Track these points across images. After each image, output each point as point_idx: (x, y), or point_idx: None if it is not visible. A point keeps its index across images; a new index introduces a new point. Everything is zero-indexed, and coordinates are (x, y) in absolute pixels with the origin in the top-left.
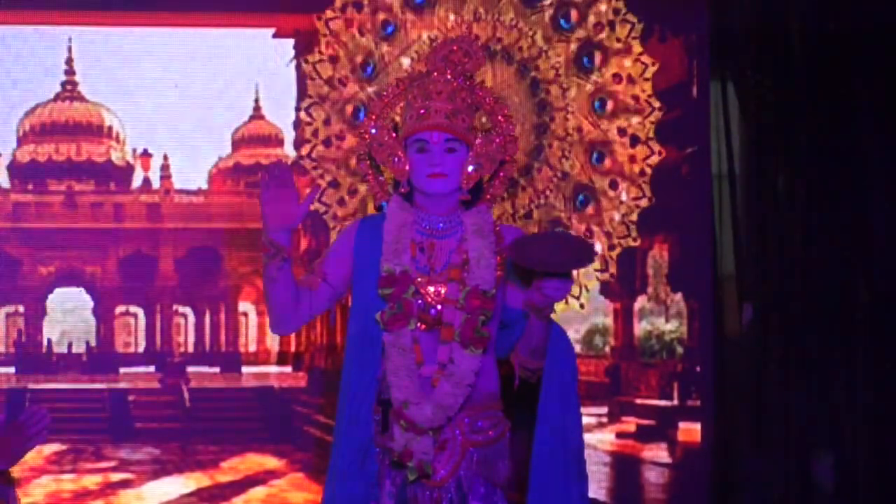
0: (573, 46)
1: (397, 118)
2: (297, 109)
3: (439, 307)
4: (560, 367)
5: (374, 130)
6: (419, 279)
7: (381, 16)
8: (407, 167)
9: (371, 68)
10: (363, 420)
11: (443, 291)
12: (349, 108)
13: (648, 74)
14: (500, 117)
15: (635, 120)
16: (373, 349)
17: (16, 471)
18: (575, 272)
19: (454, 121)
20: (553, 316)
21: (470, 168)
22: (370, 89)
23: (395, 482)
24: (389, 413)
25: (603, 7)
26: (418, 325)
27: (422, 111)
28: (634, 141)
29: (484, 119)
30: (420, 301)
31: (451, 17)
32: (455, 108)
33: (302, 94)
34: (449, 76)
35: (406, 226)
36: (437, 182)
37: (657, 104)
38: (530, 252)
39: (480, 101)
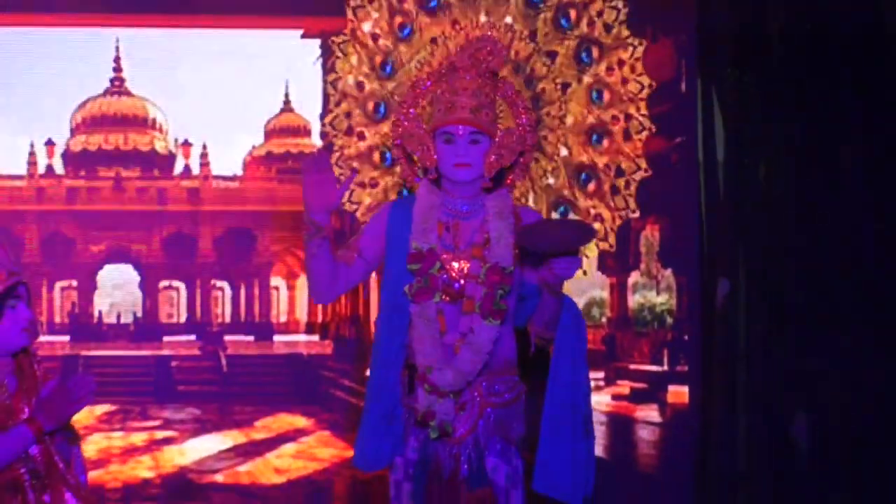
0: (572, 43)
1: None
2: (324, 105)
3: (462, 282)
4: (570, 336)
5: (406, 123)
6: (444, 256)
7: (399, 19)
8: (435, 156)
9: (389, 67)
10: (391, 383)
11: (466, 267)
12: (370, 105)
13: (638, 54)
14: (521, 109)
15: (630, 109)
16: (401, 319)
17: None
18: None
19: (478, 115)
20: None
21: (492, 158)
22: (389, 87)
23: (418, 438)
24: (415, 377)
25: (598, 6)
26: (443, 297)
27: (449, 106)
28: (628, 118)
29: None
30: (445, 276)
31: (461, 20)
32: (479, 104)
33: (327, 91)
34: (474, 73)
35: (434, 208)
36: (461, 171)
37: (647, 80)
38: (538, 238)
39: (503, 94)
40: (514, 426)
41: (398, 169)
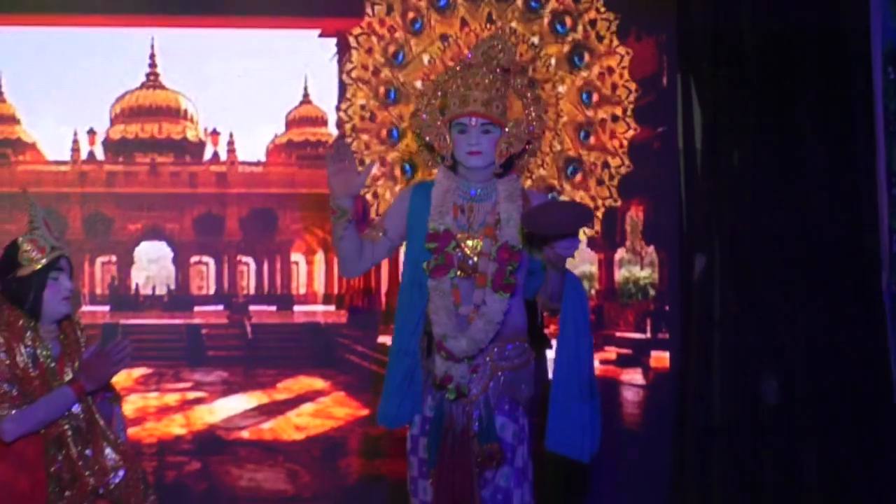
0: (566, 48)
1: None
2: (340, 95)
3: (475, 258)
4: (574, 307)
5: (424, 116)
6: (459, 235)
7: (411, 14)
8: (450, 144)
9: (401, 57)
10: (410, 350)
11: (479, 246)
12: (382, 90)
13: (626, 63)
14: (529, 102)
15: (617, 110)
16: (420, 292)
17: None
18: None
19: (489, 108)
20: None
21: (502, 146)
22: (400, 75)
23: (434, 398)
24: (432, 343)
25: (592, 15)
26: (458, 273)
27: (463, 99)
28: (615, 119)
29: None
30: (460, 253)
31: (468, 19)
32: (490, 97)
33: (342, 83)
34: (486, 69)
35: (450, 192)
36: (474, 158)
37: (633, 86)
38: (541, 220)
39: (514, 88)
40: (523, 388)
41: (401, 145)
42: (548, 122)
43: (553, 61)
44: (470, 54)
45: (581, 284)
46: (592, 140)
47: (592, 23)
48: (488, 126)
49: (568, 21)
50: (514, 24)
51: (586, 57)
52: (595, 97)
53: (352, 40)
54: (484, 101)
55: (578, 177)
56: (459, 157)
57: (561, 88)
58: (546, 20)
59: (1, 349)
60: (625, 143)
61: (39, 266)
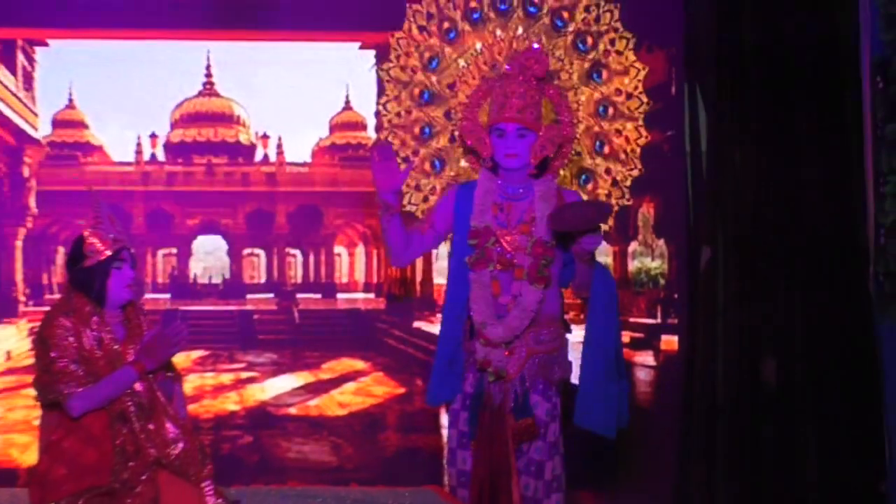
0: (587, 64)
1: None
2: (378, 101)
3: (513, 252)
4: (602, 295)
5: (465, 122)
6: (498, 232)
7: (447, 24)
8: (490, 148)
9: (436, 63)
10: (453, 336)
11: (516, 241)
12: (416, 91)
13: (640, 77)
14: (563, 108)
15: (629, 125)
16: (463, 283)
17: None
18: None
19: (524, 114)
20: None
21: (537, 149)
22: (433, 78)
23: (475, 376)
24: (474, 328)
25: (611, 36)
26: (497, 266)
27: (500, 106)
28: (622, 125)
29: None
30: (499, 248)
31: (499, 32)
32: (525, 104)
33: (381, 91)
34: (521, 79)
35: (490, 192)
36: (510, 160)
37: (645, 98)
38: (564, 219)
39: (549, 96)
40: (555, 370)
41: (433, 143)
42: (577, 128)
43: (575, 76)
44: (508, 66)
45: (609, 273)
46: (606, 150)
47: (612, 42)
48: (524, 131)
49: (589, 40)
50: (542, 38)
51: (604, 74)
52: (611, 111)
53: (392, 41)
54: (520, 108)
55: (590, 185)
56: (498, 160)
57: (582, 98)
58: (570, 38)
59: (69, 333)
60: (637, 149)
61: (104, 257)
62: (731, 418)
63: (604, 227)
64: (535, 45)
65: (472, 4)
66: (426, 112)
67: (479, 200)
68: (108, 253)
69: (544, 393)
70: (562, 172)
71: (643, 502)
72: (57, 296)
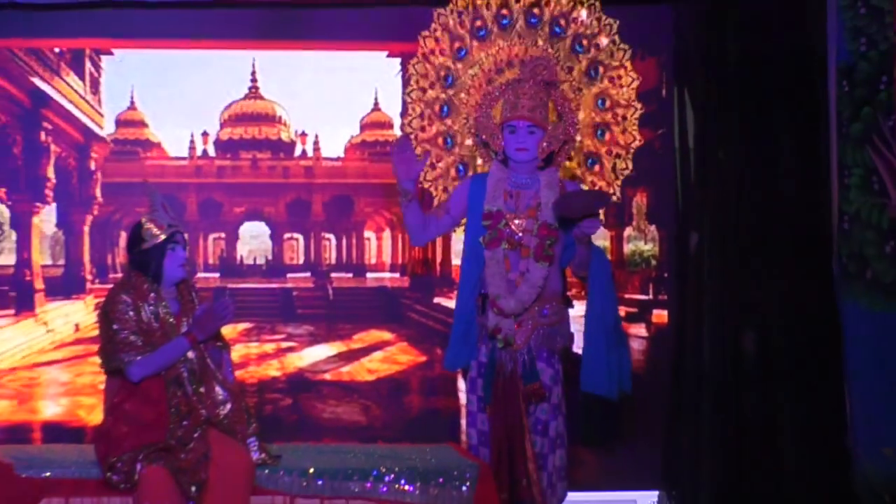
0: (584, 63)
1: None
2: (403, 104)
3: (521, 234)
4: (599, 273)
5: (481, 118)
6: (508, 215)
7: (457, 44)
8: (502, 142)
9: (450, 79)
10: (469, 307)
11: (524, 224)
12: (436, 106)
13: (634, 86)
14: (566, 110)
15: (627, 112)
16: (478, 261)
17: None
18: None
19: (534, 113)
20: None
21: (544, 144)
22: (450, 93)
23: (487, 347)
24: (486, 302)
25: (604, 40)
26: (507, 245)
27: (513, 106)
28: (623, 119)
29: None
30: (508, 230)
31: (501, 42)
32: (534, 105)
33: (405, 99)
34: (531, 83)
35: (501, 181)
36: (521, 153)
37: (638, 105)
38: (569, 204)
39: (554, 98)
40: (557, 340)
41: (455, 150)
42: (579, 126)
43: (576, 74)
44: (521, 72)
45: (604, 254)
46: (607, 137)
47: (610, 41)
48: (533, 128)
49: (585, 42)
50: (541, 43)
51: (600, 69)
52: (608, 102)
53: (410, 68)
54: (530, 108)
55: (597, 167)
56: (509, 153)
57: (583, 95)
58: (568, 42)
59: (129, 308)
60: (631, 150)
61: (160, 240)
62: (714, 383)
63: (601, 213)
64: (545, 53)
65: (478, 23)
66: (446, 124)
67: (491, 188)
68: (164, 237)
69: (548, 360)
70: (568, 163)
71: (636, 457)
72: (119, 275)
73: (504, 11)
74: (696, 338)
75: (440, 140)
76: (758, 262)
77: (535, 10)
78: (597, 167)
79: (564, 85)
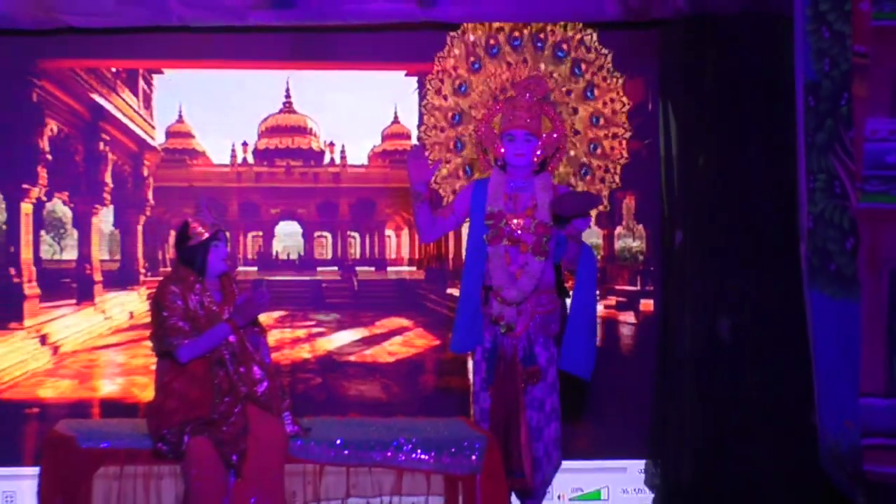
0: (581, 85)
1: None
2: (420, 118)
3: (520, 232)
4: (586, 268)
5: (483, 128)
6: (508, 215)
7: (472, 58)
8: (502, 150)
9: (464, 88)
10: (474, 296)
11: (522, 222)
12: (450, 114)
13: (625, 110)
14: (557, 122)
15: (618, 130)
16: (481, 256)
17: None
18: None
19: (529, 124)
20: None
21: (538, 152)
22: (462, 103)
23: (491, 333)
24: (490, 293)
25: (601, 64)
26: (507, 242)
27: (511, 118)
28: (615, 136)
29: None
30: (508, 228)
31: (511, 62)
32: (530, 117)
33: (421, 110)
34: (527, 97)
35: (501, 184)
36: (519, 159)
37: (627, 126)
38: (564, 204)
39: (546, 111)
40: (552, 326)
41: (464, 153)
42: (569, 136)
43: (573, 94)
44: (516, 91)
45: (593, 252)
46: (598, 152)
47: (600, 68)
48: (529, 137)
49: (583, 66)
50: (542, 66)
51: (596, 92)
52: (601, 121)
53: (427, 83)
54: (526, 119)
55: (588, 177)
56: (508, 159)
57: (579, 114)
58: (567, 65)
59: (177, 297)
60: (618, 167)
61: (204, 238)
62: (694, 364)
63: (593, 213)
64: (535, 74)
65: (492, 42)
66: (457, 130)
67: (492, 191)
68: (208, 235)
69: (545, 345)
70: (562, 169)
71: (626, 429)
72: (168, 269)
73: (516, 34)
74: (678, 324)
75: (451, 144)
76: (733, 257)
77: (541, 35)
78: (588, 177)
79: (562, 106)
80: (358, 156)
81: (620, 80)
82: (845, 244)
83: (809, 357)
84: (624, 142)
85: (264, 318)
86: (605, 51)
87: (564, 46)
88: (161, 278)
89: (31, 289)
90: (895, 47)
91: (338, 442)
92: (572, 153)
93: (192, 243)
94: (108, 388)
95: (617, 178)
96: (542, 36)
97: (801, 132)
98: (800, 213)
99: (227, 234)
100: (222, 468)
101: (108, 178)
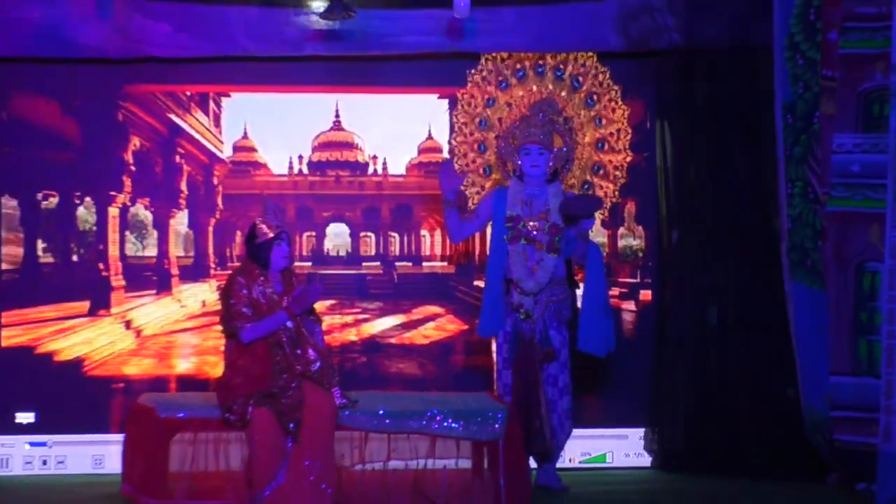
0: (592, 113)
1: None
2: (450, 133)
3: (535, 232)
4: (595, 262)
5: (503, 143)
6: (525, 218)
7: (500, 78)
8: (519, 162)
9: (492, 102)
10: (497, 288)
11: (537, 224)
12: (477, 121)
13: (627, 139)
14: (567, 139)
15: (618, 158)
16: (502, 253)
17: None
18: (597, 214)
19: (543, 139)
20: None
21: (550, 163)
22: (489, 113)
23: (512, 319)
24: (511, 284)
25: (609, 96)
26: (525, 241)
27: (527, 134)
28: (617, 168)
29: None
30: (526, 229)
31: (534, 86)
32: (544, 132)
33: (452, 125)
34: (541, 116)
35: (518, 191)
36: (534, 170)
37: (629, 150)
38: (571, 207)
39: (558, 127)
40: (564, 313)
41: (486, 155)
42: (576, 151)
43: (584, 120)
44: (531, 111)
45: (599, 249)
46: (601, 173)
47: (610, 100)
48: (543, 150)
49: (595, 97)
50: (563, 93)
51: (604, 121)
52: (606, 147)
53: (458, 96)
54: (540, 135)
55: (591, 191)
56: (525, 170)
57: (587, 139)
58: (583, 95)
59: (243, 287)
60: (619, 185)
61: (269, 237)
62: (686, 346)
63: (598, 216)
64: (547, 96)
65: (518, 66)
66: (482, 134)
67: (511, 197)
68: (272, 235)
69: (558, 329)
70: (572, 181)
71: (627, 402)
72: (235, 264)
73: (540, 62)
74: (672, 311)
75: (476, 146)
76: (721, 253)
77: (561, 66)
78: (591, 191)
79: (574, 122)
80: (397, 167)
81: (627, 112)
82: (818, 242)
83: (784, 339)
84: (623, 175)
85: (318, 305)
86: (615, 86)
87: (581, 79)
88: (228, 272)
89: (117, 281)
90: (859, 72)
91: (380, 412)
92: (578, 173)
93: (258, 241)
94: (183, 366)
95: (617, 194)
96: (561, 67)
97: (780, 146)
98: (780, 215)
99: (289, 234)
100: (281, 435)
101: (183, 186)
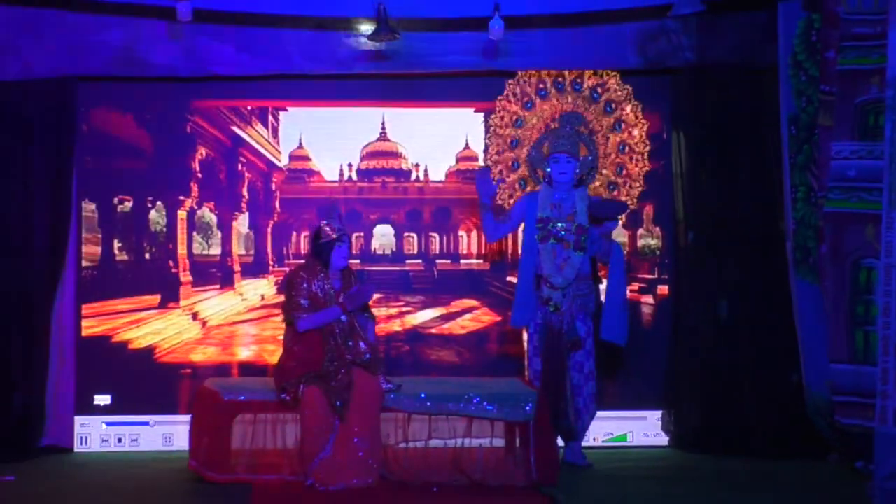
0: (612, 119)
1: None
2: (485, 145)
3: (563, 233)
4: (617, 261)
5: (533, 153)
6: (554, 220)
7: (525, 98)
8: (548, 169)
9: (520, 122)
10: (528, 282)
11: (565, 226)
12: (508, 139)
13: (646, 145)
14: (591, 148)
15: (638, 158)
16: (533, 251)
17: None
18: (620, 217)
19: (570, 148)
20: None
21: (577, 170)
22: (518, 132)
23: (542, 312)
24: (541, 280)
25: (628, 108)
26: (554, 240)
27: (556, 144)
28: (638, 163)
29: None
30: (555, 230)
31: (556, 101)
32: (571, 143)
33: (487, 137)
34: (568, 128)
35: (548, 196)
36: (562, 177)
37: (647, 147)
38: (596, 210)
39: (583, 139)
40: (590, 306)
41: (520, 170)
42: (599, 159)
43: (605, 127)
44: (559, 123)
45: (621, 248)
46: (624, 172)
47: (628, 107)
48: (570, 158)
49: (613, 105)
50: (579, 102)
51: (623, 126)
52: (627, 149)
53: (492, 118)
54: (568, 145)
55: (615, 192)
56: (554, 177)
57: (610, 141)
58: (601, 104)
59: (304, 281)
60: (642, 177)
61: (331, 238)
62: (700, 337)
63: (620, 218)
64: (573, 110)
65: (540, 85)
66: (515, 153)
67: (541, 201)
68: (334, 236)
69: (584, 320)
70: (596, 184)
71: (646, 386)
72: (292, 262)
73: (560, 79)
74: (687, 305)
75: (509, 163)
76: (731, 252)
77: (579, 80)
78: (615, 192)
79: (597, 129)
80: (437, 174)
81: (646, 126)
82: (819, 241)
83: (789, 330)
84: (645, 163)
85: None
86: (635, 101)
87: (599, 90)
88: (285, 269)
89: (185, 277)
90: (856, 86)
91: (422, 395)
92: (604, 172)
93: (321, 241)
94: (244, 353)
95: (637, 190)
96: (579, 80)
97: (785, 154)
98: (785, 217)
99: (349, 236)
100: (330, 412)
101: (244, 191)
